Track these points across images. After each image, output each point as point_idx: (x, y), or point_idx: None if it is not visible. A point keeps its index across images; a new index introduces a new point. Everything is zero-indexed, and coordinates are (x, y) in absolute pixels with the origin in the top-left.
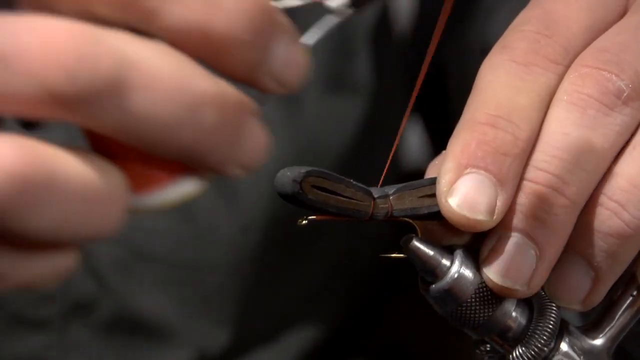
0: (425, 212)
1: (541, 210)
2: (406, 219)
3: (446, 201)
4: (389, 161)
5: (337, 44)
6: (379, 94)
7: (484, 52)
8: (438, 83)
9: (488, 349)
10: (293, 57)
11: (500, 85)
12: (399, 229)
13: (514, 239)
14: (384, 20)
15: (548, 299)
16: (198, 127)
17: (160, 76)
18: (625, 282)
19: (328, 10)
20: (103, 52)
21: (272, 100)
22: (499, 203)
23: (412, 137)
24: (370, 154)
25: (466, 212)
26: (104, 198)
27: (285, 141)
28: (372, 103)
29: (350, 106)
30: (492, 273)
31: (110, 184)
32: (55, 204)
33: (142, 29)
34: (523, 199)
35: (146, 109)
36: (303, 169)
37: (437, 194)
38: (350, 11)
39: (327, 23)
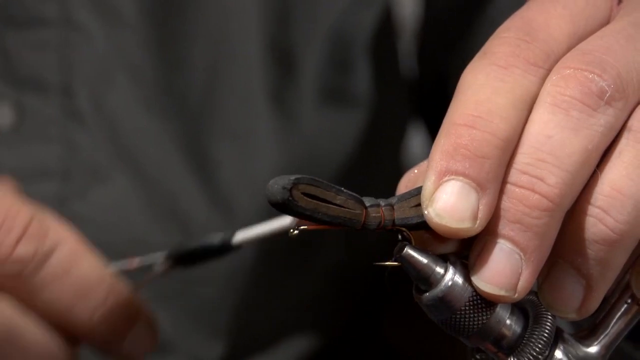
0: (416, 221)
1: (524, 214)
2: (399, 227)
3: (428, 211)
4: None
5: (333, 53)
6: (379, 107)
7: None
8: (442, 94)
9: (484, 357)
10: (143, 342)
11: (479, 87)
12: (393, 237)
13: (499, 244)
14: (385, 29)
15: (543, 307)
16: None
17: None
18: (619, 290)
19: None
20: None
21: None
22: (481, 207)
23: (415, 147)
24: (369, 169)
25: (447, 221)
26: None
27: (279, 155)
28: (372, 116)
29: (348, 119)
30: (479, 280)
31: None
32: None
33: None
34: (506, 203)
35: None
36: (293, 176)
37: (421, 203)
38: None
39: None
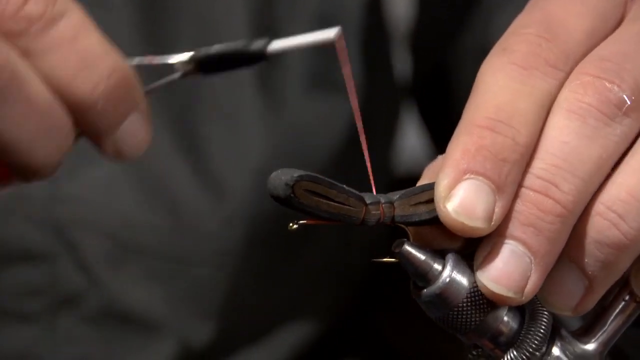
0: (417, 219)
1: (537, 218)
2: (397, 224)
3: (444, 206)
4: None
5: None
6: (369, 96)
7: (486, 53)
8: (440, 84)
9: (481, 353)
10: (137, 134)
11: (500, 88)
12: (391, 232)
13: (510, 246)
14: (373, 17)
15: (540, 303)
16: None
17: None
18: (618, 287)
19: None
20: None
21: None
22: (496, 209)
23: (408, 138)
24: (358, 155)
25: (463, 218)
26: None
27: (268, 137)
28: (361, 104)
29: (336, 106)
30: (487, 279)
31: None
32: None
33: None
34: (520, 206)
35: None
36: (296, 173)
37: (435, 198)
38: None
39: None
